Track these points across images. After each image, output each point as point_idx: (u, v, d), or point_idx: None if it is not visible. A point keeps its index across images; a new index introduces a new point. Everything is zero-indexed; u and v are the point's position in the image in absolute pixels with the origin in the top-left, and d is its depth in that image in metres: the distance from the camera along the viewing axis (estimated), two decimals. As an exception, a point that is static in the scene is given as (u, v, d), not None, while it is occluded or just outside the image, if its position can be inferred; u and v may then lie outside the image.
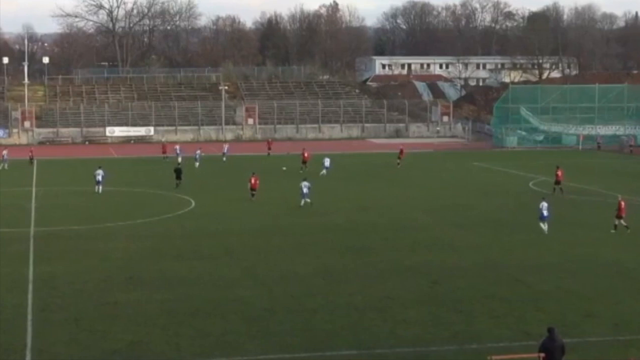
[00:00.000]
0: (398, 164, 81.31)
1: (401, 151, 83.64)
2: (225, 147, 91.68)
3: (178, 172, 65.25)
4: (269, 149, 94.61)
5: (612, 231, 46.98)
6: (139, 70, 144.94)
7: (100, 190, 63.30)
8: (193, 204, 57.78)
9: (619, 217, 47.34)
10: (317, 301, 32.48)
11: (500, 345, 26.90)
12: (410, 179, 72.34)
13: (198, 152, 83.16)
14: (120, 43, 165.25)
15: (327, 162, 75.55)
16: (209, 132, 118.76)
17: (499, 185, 67.71)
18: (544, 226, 46.70)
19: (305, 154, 79.05)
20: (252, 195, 59.32)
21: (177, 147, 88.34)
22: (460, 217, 52.12)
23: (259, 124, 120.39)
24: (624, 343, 27.64)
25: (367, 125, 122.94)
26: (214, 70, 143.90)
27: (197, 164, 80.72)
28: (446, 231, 47.55)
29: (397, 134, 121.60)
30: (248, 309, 31.46)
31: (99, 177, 63.98)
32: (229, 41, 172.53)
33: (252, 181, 59.78)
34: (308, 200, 56.23)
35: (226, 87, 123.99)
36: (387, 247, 42.89)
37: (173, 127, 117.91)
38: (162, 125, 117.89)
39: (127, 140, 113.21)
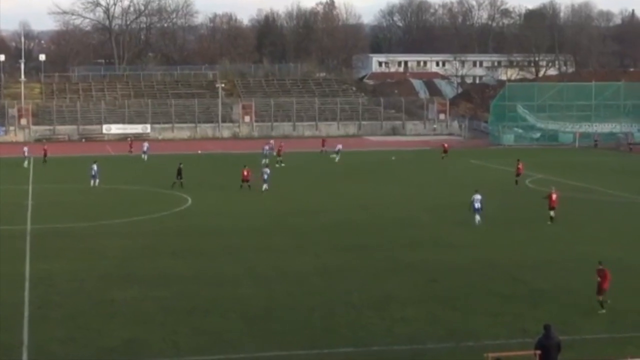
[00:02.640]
0: (442, 157, 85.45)
1: (444, 147, 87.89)
2: (268, 146, 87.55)
3: (179, 171, 64.99)
4: (323, 146, 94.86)
5: (549, 223, 48.16)
6: (135, 68, 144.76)
7: (96, 184, 64.60)
8: (190, 201, 57.74)
9: (551, 208, 48.53)
10: (316, 299, 32.48)
11: (497, 343, 26.89)
12: (407, 177, 72.35)
13: (266, 147, 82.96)
14: (117, 40, 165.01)
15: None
16: (205, 129, 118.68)
17: (495, 183, 67.65)
18: (477, 218, 47.82)
19: (280, 147, 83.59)
20: (241, 186, 61.93)
21: (145, 144, 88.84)
22: (457, 215, 52.04)
23: (256, 121, 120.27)
24: (621, 340, 27.64)
25: (363, 122, 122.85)
26: (211, 67, 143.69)
27: (266, 160, 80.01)
28: (444, 229, 47.55)
29: (394, 131, 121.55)
30: (247, 307, 31.45)
31: (93, 172, 65.09)
32: (225, 39, 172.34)
33: (245, 173, 62.47)
34: (266, 186, 61.01)
35: (223, 85, 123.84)
36: (385, 246, 42.88)
37: (170, 125, 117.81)
38: (159, 123, 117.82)
39: (123, 138, 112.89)
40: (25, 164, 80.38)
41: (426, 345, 27.25)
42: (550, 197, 48.98)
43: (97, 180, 65.16)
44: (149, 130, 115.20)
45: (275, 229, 47.81)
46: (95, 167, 65.69)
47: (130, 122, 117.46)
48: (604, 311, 29.89)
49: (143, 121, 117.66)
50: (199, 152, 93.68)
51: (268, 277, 36.12)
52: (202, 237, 45.03)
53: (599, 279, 30.51)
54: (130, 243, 43.49)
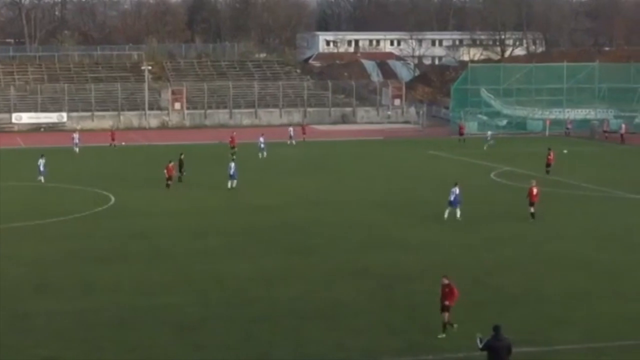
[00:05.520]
0: (459, 141, 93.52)
1: (461, 128, 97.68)
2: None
3: (181, 164, 64.92)
4: (304, 133, 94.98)
5: (531, 220, 48.71)
6: (49, 48, 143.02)
7: (42, 180, 64.69)
8: (112, 200, 57.48)
9: (531, 204, 49.06)
10: (257, 309, 32.58)
11: (460, 356, 27.23)
12: (360, 170, 72.62)
13: (261, 138, 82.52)
14: (28, 17, 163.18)
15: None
16: (130, 118, 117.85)
17: (457, 176, 68.08)
18: (456, 212, 49.08)
19: (232, 138, 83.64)
20: (167, 185, 61.69)
21: (75, 135, 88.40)
22: (416, 212, 52.47)
23: (188, 109, 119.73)
24: (598, 351, 28.18)
25: (309, 109, 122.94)
26: (136, 48, 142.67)
27: (264, 153, 80.00)
28: (401, 228, 47.89)
29: (344, 119, 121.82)
30: (179, 318, 31.46)
31: (41, 167, 65.37)
32: (152, 15, 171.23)
33: (168, 170, 62.31)
34: (235, 182, 61.37)
35: (149, 67, 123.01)
36: (335, 247, 43.09)
37: (89, 113, 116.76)
38: (77, 111, 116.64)
39: (36, 128, 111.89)
40: None
41: (381, 359, 27.49)
42: (530, 191, 49.31)
43: (42, 177, 65.11)
44: (65, 120, 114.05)
45: (210, 229, 47.74)
46: (42, 161, 65.62)
47: (44, 110, 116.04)
48: (443, 335, 28.87)
49: (58, 109, 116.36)
50: (123, 144, 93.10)
51: (202, 284, 36.11)
52: (127, 240, 44.86)
53: (442, 297, 29.31)
54: (46, 248, 43.17)
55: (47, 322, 31.05)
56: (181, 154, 66.14)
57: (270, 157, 78.68)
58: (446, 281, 29.48)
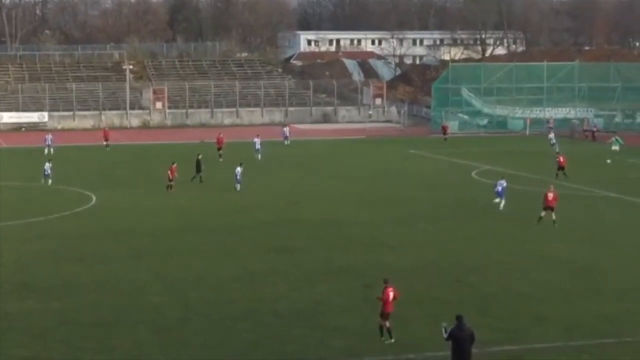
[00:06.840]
0: (445, 139, 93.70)
1: (445, 128, 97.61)
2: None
3: (198, 165, 63.98)
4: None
5: (541, 219, 47.99)
6: (30, 48, 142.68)
7: (49, 183, 63.29)
8: (94, 199, 57.28)
9: (546, 208, 47.98)
10: (238, 308, 32.54)
11: (440, 355, 27.22)
12: (341, 169, 72.59)
13: (257, 139, 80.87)
14: (9, 16, 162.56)
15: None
16: (111, 117, 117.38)
17: (438, 175, 68.40)
18: (497, 201, 51.77)
19: (218, 138, 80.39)
20: (168, 187, 59.90)
21: (48, 136, 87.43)
22: (396, 211, 52.49)
23: (169, 108, 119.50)
24: (577, 348, 28.29)
25: (291, 109, 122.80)
26: (117, 47, 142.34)
27: (259, 155, 78.44)
28: (382, 227, 47.88)
29: (325, 118, 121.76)
30: (159, 318, 31.41)
31: (48, 171, 64.02)
32: (133, 14, 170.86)
33: (171, 172, 60.36)
34: (238, 185, 59.78)
35: (131, 67, 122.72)
36: (316, 246, 43.09)
37: (70, 113, 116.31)
38: (58, 111, 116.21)
39: (17, 128, 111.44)
40: None
41: (363, 358, 27.50)
42: (545, 196, 48.25)
43: (50, 180, 63.79)
44: (46, 119, 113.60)
45: (190, 229, 47.61)
46: (49, 165, 64.36)
47: (25, 109, 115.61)
48: (392, 340, 28.56)
49: (39, 108, 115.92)
50: (105, 143, 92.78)
51: (182, 284, 36.05)
52: (107, 240, 44.70)
53: (381, 302, 28.86)
54: (26, 248, 42.99)
55: (27, 322, 30.94)
56: (198, 155, 64.87)
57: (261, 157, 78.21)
58: (385, 284, 29.09)
